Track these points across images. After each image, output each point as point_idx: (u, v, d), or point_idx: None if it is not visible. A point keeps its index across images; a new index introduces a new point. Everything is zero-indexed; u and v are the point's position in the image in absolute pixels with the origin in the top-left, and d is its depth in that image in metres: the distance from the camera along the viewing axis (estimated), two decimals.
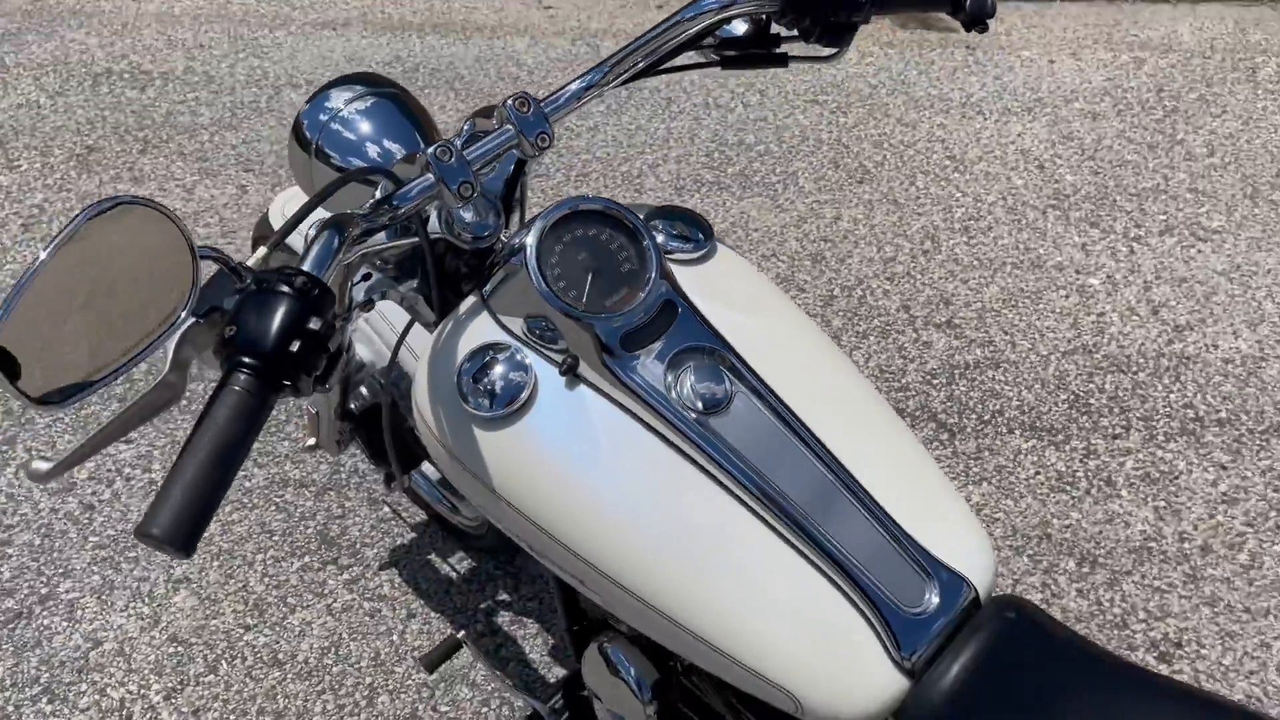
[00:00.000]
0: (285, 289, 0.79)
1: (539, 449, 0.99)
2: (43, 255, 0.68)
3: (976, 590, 0.96)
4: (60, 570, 1.95)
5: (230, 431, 0.73)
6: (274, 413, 2.19)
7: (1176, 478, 2.14)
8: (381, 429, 1.64)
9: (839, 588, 0.93)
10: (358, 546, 2.01)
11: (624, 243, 1.00)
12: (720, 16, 1.05)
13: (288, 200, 1.64)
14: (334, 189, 0.96)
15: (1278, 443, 2.20)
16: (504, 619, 1.89)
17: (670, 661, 1.18)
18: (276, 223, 1.61)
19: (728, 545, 0.94)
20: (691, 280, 1.03)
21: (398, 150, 1.18)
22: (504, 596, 1.93)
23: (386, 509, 2.07)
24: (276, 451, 2.18)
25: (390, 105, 1.22)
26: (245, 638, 1.86)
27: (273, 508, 2.08)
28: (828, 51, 1.05)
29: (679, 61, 1.10)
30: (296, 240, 1.00)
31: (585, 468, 0.98)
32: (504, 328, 1.02)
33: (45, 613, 1.88)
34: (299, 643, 1.85)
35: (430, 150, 0.96)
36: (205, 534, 1.94)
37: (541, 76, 3.53)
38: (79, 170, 3.05)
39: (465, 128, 1.11)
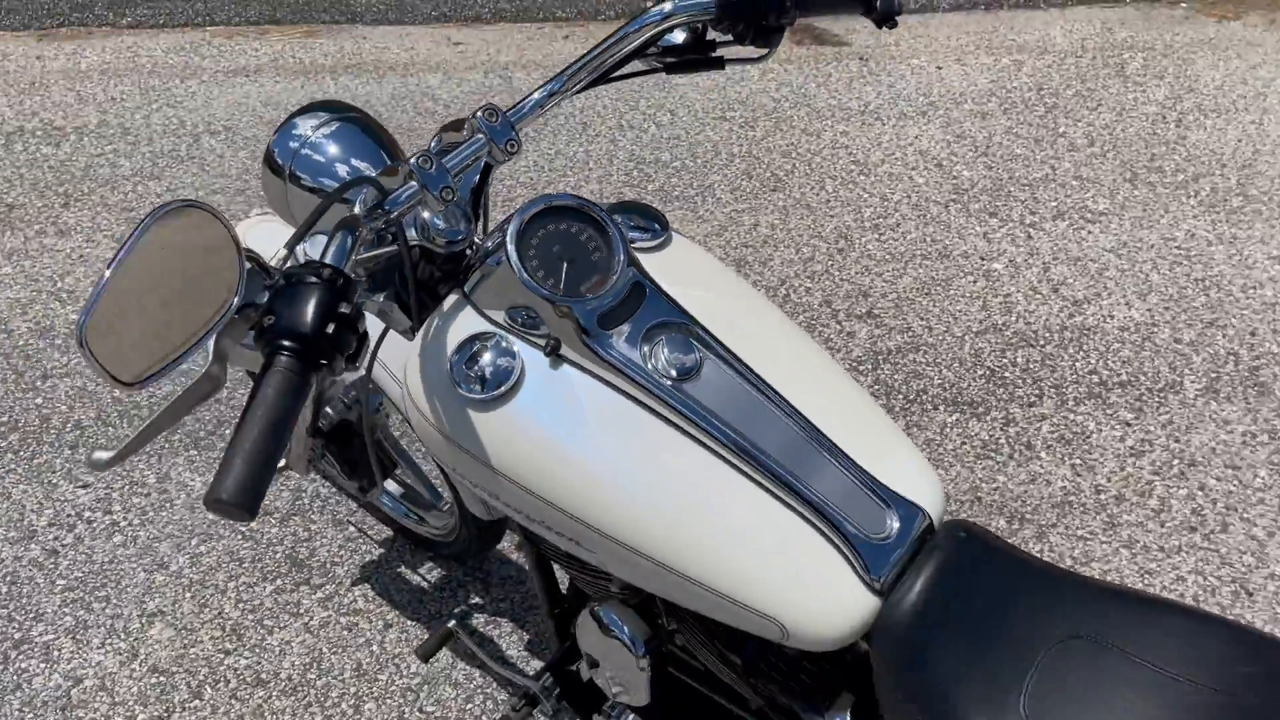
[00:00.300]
0: (315, 280, 0.88)
1: (531, 424, 1.08)
2: (121, 254, 0.77)
3: (930, 517, 1.08)
4: (31, 615, 1.97)
5: (280, 407, 0.82)
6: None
7: (1088, 437, 2.32)
8: (350, 444, 1.72)
9: (810, 523, 1.04)
10: (328, 566, 2.06)
11: (592, 234, 1.11)
12: (662, 27, 1.17)
13: (249, 229, 1.71)
14: (340, 194, 1.04)
15: (1174, 398, 2.40)
16: (479, 620, 1.96)
17: (659, 620, 1.28)
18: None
19: (710, 494, 1.05)
20: (654, 265, 1.15)
21: (367, 169, 1.27)
22: (476, 600, 2.00)
23: (352, 528, 2.13)
24: None
25: (355, 128, 1.31)
26: (226, 661, 1.90)
27: (239, 537, 2.12)
28: (759, 52, 1.18)
29: (627, 70, 1.22)
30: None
31: (575, 437, 1.08)
32: (488, 319, 1.12)
33: (21, 657, 1.90)
34: (280, 661, 1.90)
35: (413, 160, 1.06)
36: (175, 567, 1.98)
37: (458, 109, 3.63)
38: (1, 228, 3.04)
39: (434, 143, 1.21)
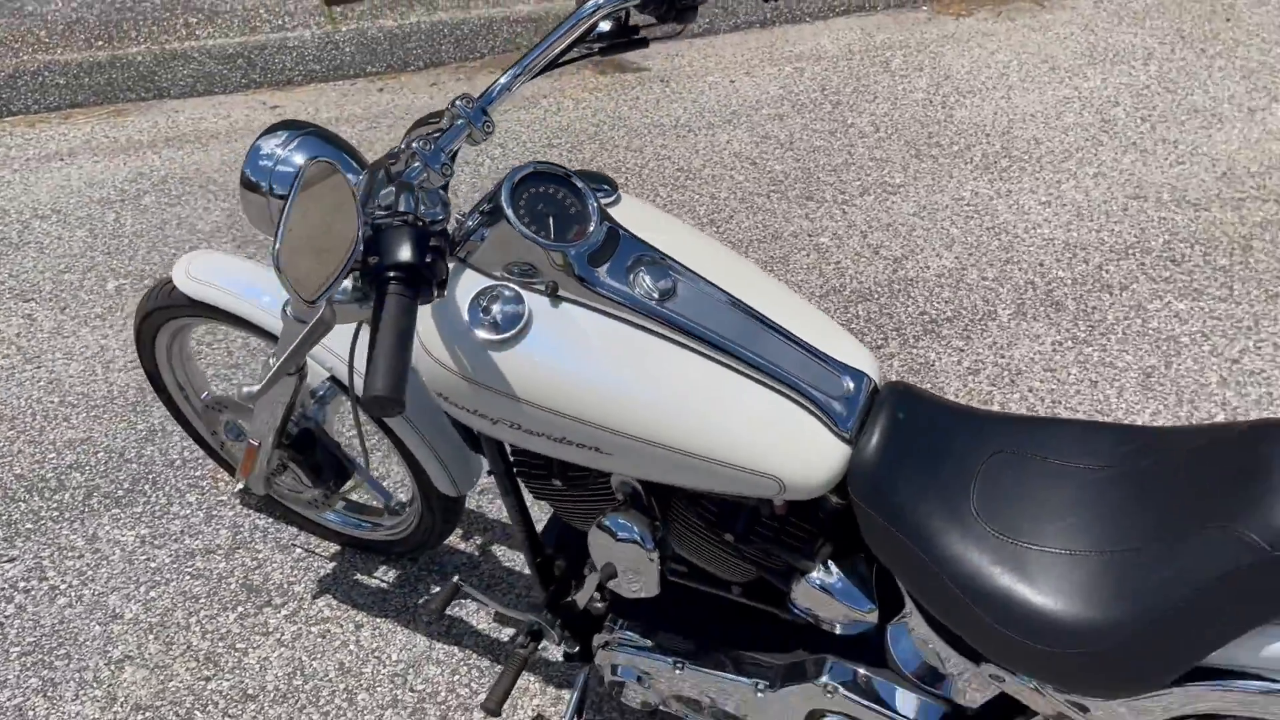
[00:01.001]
0: (403, 223, 1.06)
1: (546, 354, 1.29)
2: (291, 196, 0.93)
3: (873, 380, 1.36)
4: None
5: (402, 322, 1.00)
6: (158, 495, 2.28)
7: (932, 365, 2.69)
8: (314, 450, 1.86)
9: (786, 395, 1.29)
10: (285, 586, 2.15)
11: (566, 193, 1.33)
12: (596, 17, 1.41)
13: (190, 262, 1.82)
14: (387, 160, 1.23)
15: (992, 324, 2.82)
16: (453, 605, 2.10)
17: (655, 520, 1.49)
18: (183, 283, 1.79)
19: (703, 385, 1.29)
20: (617, 215, 1.38)
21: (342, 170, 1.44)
22: (437, 589, 2.14)
23: (299, 550, 2.22)
24: (170, 531, 2.27)
25: (317, 139, 1.49)
26: (209, 686, 1.96)
27: (188, 577, 2.17)
28: (677, 28, 1.45)
29: (569, 56, 1.45)
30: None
31: (585, 359, 1.29)
32: (490, 276, 1.32)
33: None
34: (263, 676, 1.98)
35: (415, 143, 1.26)
36: (130, 614, 2.02)
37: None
38: None
39: (407, 139, 1.40)
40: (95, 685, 1.97)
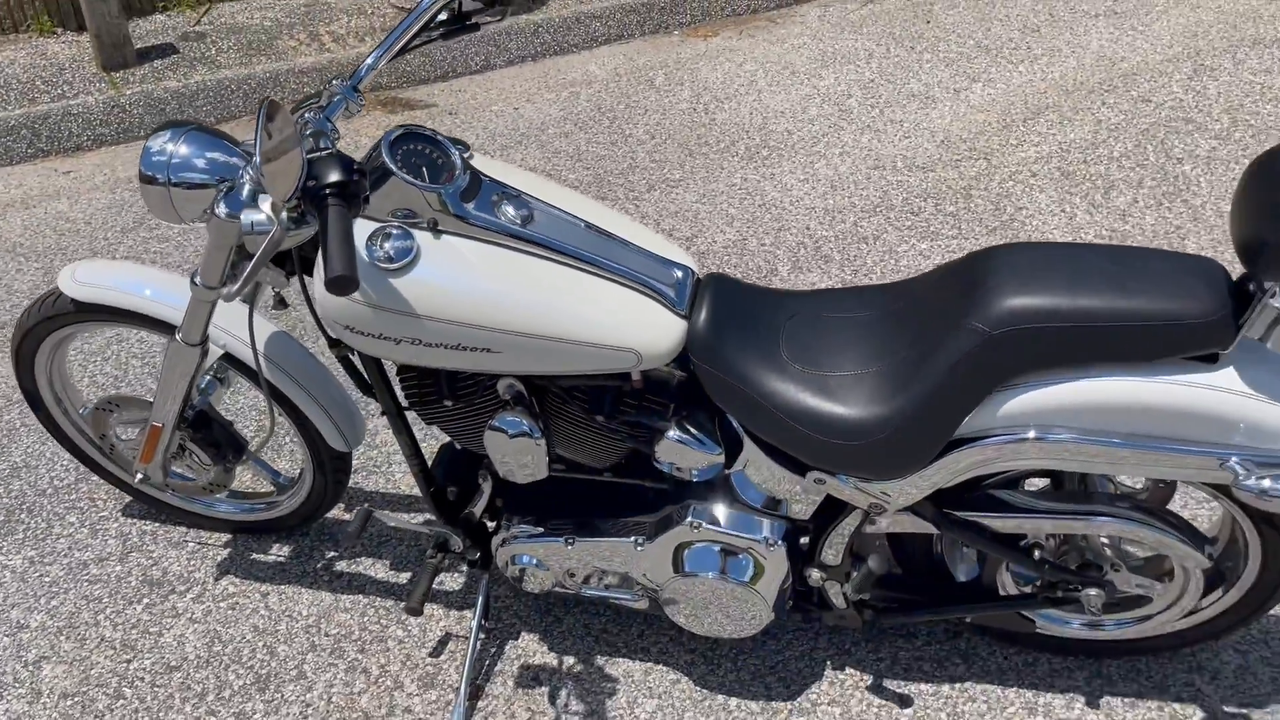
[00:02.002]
0: (328, 154, 1.35)
1: (436, 276, 1.60)
2: (259, 122, 1.21)
3: (695, 271, 1.74)
4: None
5: (342, 224, 1.30)
6: (36, 521, 2.39)
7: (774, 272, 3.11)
8: (210, 428, 2.07)
9: (632, 287, 1.65)
10: (184, 575, 2.31)
11: (431, 148, 1.64)
12: (436, 8, 1.73)
13: (74, 271, 1.99)
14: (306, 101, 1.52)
15: (776, 279, 3.28)
16: (342, 565, 2.32)
17: (538, 414, 1.79)
18: (71, 288, 1.97)
19: (565, 286, 1.63)
20: (475, 165, 1.70)
21: (230, 156, 1.69)
22: (332, 553, 2.35)
23: (191, 544, 2.38)
24: (57, 549, 2.38)
25: (199, 131, 1.73)
26: (131, 667, 2.10)
27: (85, 584, 2.29)
28: (500, 11, 1.79)
29: (416, 42, 1.76)
30: None
31: (468, 275, 1.60)
32: (379, 221, 1.61)
33: None
34: (183, 649, 2.14)
35: (309, 113, 1.55)
36: (36, 623, 2.14)
37: (100, 224, 3.79)
38: None
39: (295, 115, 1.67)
40: (17, 685, 2.07)
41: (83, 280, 1.98)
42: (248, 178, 1.64)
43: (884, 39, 5.01)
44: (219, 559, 2.35)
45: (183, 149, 1.70)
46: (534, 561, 1.94)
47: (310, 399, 2.02)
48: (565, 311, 1.62)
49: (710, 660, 2.07)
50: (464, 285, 1.60)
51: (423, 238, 1.61)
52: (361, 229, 1.61)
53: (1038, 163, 3.86)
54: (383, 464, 2.59)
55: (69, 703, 2.04)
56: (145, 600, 2.25)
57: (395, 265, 1.58)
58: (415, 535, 2.37)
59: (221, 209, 1.62)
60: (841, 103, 4.41)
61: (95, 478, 2.53)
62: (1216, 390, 1.50)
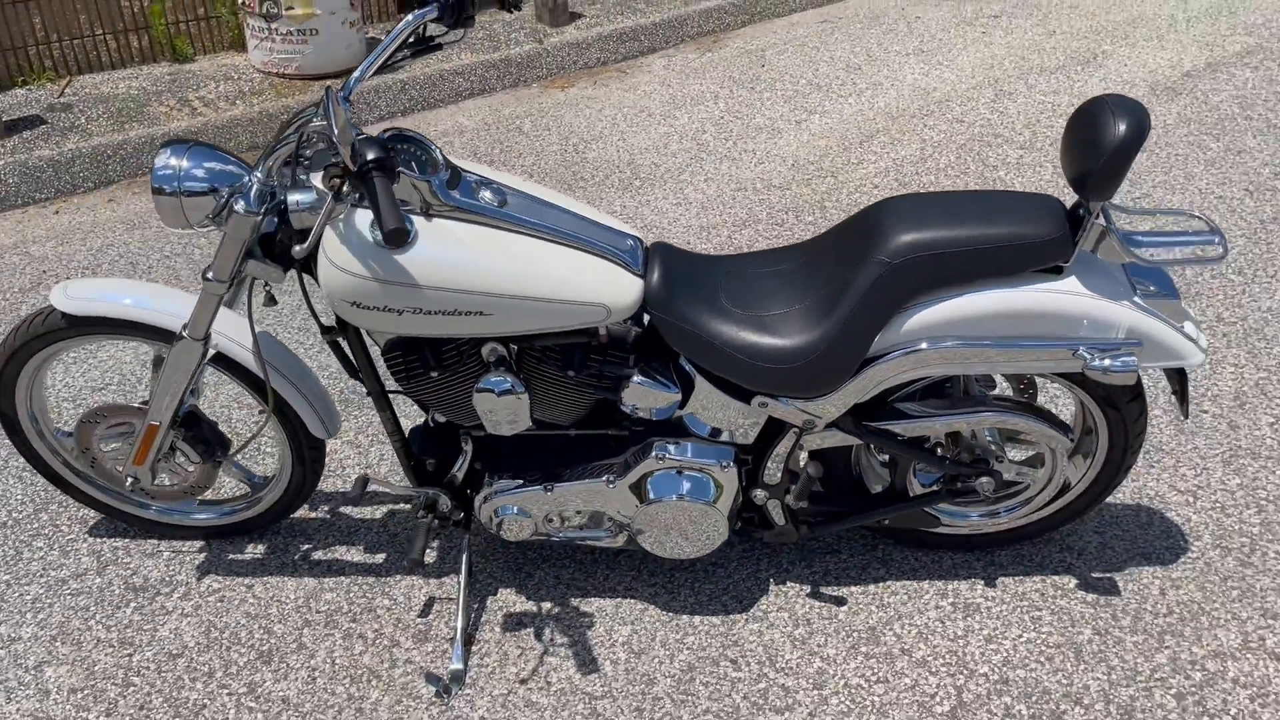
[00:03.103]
0: (360, 137, 1.62)
1: (434, 252, 1.88)
2: (326, 100, 1.47)
3: (643, 241, 2.07)
4: None
5: (388, 188, 1.57)
6: (3, 550, 2.49)
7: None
8: (199, 425, 2.27)
9: (595, 254, 1.97)
10: (167, 578, 2.44)
11: (417, 147, 1.93)
12: (411, 30, 2.02)
13: (66, 288, 2.16)
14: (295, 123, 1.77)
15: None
16: (320, 554, 2.50)
17: (519, 374, 2.07)
18: (64, 303, 2.13)
19: (543, 255, 1.93)
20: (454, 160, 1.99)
21: (227, 165, 1.93)
22: (307, 545, 2.53)
23: (166, 552, 2.52)
24: (31, 571, 2.47)
25: (203, 147, 1.97)
26: (134, 659, 2.23)
27: (68, 596, 2.40)
28: (460, 33, 2.09)
29: (393, 61, 2.04)
30: None
31: (461, 249, 1.89)
32: None
33: None
34: (181, 639, 2.28)
35: (327, 90, 1.82)
36: (28, 634, 2.26)
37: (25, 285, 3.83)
38: None
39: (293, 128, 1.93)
40: (22, 688, 2.17)
41: (75, 295, 2.15)
42: (255, 180, 1.89)
43: (726, 82, 5.52)
44: (197, 562, 2.49)
45: (186, 162, 1.93)
46: (515, 510, 2.20)
47: (295, 390, 2.23)
48: (545, 275, 1.92)
49: (671, 589, 2.37)
50: (457, 258, 1.89)
51: (418, 221, 1.89)
52: (364, 217, 1.88)
53: (877, 176, 4.39)
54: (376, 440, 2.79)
55: (79, 696, 2.15)
56: (133, 604, 2.38)
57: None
58: (386, 521, 2.58)
59: (240, 206, 1.86)
60: (698, 138, 4.87)
61: (55, 505, 2.63)
62: (1063, 294, 1.93)
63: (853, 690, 2.12)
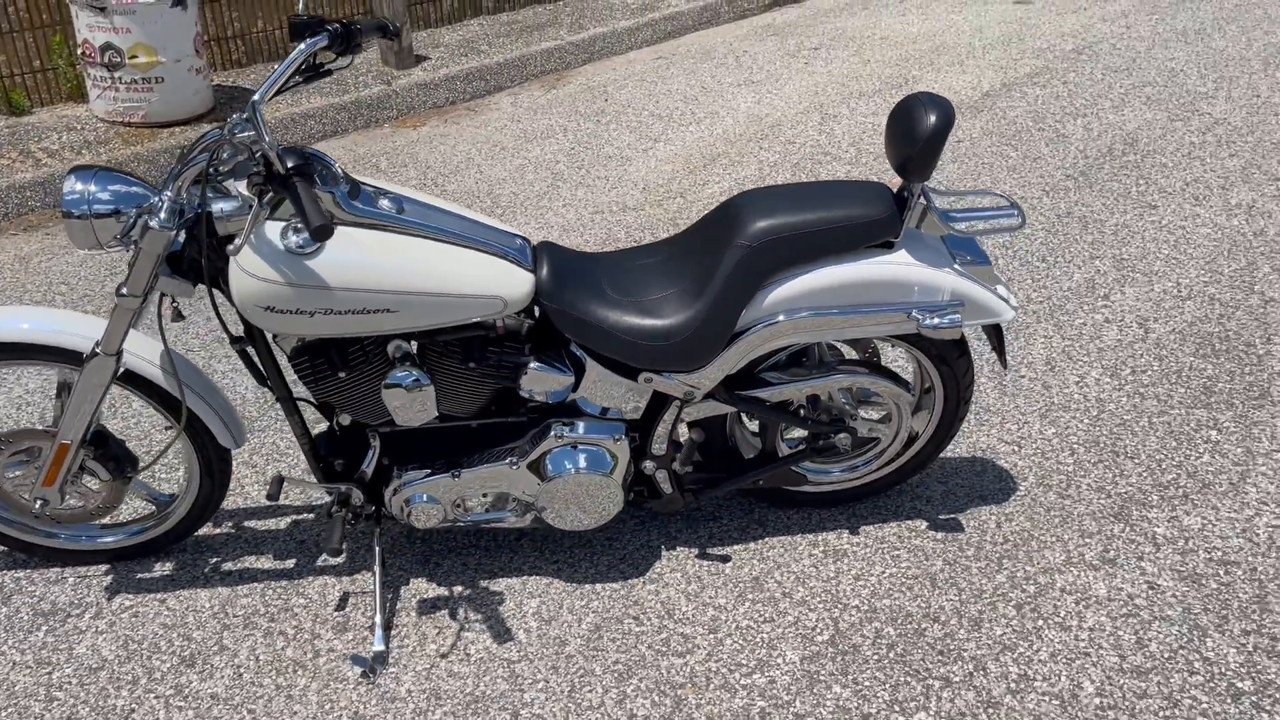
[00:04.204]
0: (279, 149, 1.79)
1: (341, 256, 2.06)
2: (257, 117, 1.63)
3: (530, 241, 2.29)
4: None
5: (311, 193, 1.74)
6: None
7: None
8: (108, 443, 2.36)
9: (490, 253, 2.18)
10: (76, 600, 2.49)
11: (319, 164, 2.11)
12: (303, 59, 2.19)
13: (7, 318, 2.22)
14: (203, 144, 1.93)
15: None
16: (229, 565, 2.59)
17: (423, 366, 2.25)
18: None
19: (442, 255, 2.13)
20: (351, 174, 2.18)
21: (132, 187, 2.06)
22: (215, 559, 2.61)
23: (72, 577, 2.55)
24: None
25: (108, 171, 2.09)
26: (54, 675, 2.28)
27: None
28: (348, 60, 2.27)
29: (287, 86, 2.21)
30: None
31: (366, 253, 2.07)
32: (286, 220, 2.05)
33: None
34: (100, 654, 2.34)
35: (230, 118, 1.98)
36: None
37: None
38: None
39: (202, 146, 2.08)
40: None
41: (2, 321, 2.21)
42: (166, 198, 2.02)
43: (573, 116, 5.81)
44: (105, 584, 2.55)
45: (94, 186, 2.04)
46: (425, 498, 2.37)
47: (203, 402, 2.34)
48: (445, 273, 2.12)
49: (572, 563, 2.57)
50: (364, 260, 2.06)
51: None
52: (273, 227, 2.04)
53: (722, 195, 4.74)
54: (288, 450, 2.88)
55: (3, 714, 2.19)
56: (44, 627, 2.42)
57: (307, 251, 2.02)
58: (291, 530, 2.69)
59: (156, 222, 1.99)
60: (552, 167, 5.12)
61: None
62: (896, 264, 2.25)
63: (744, 631, 2.37)
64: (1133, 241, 4.13)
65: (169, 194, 2.03)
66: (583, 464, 2.34)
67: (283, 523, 2.74)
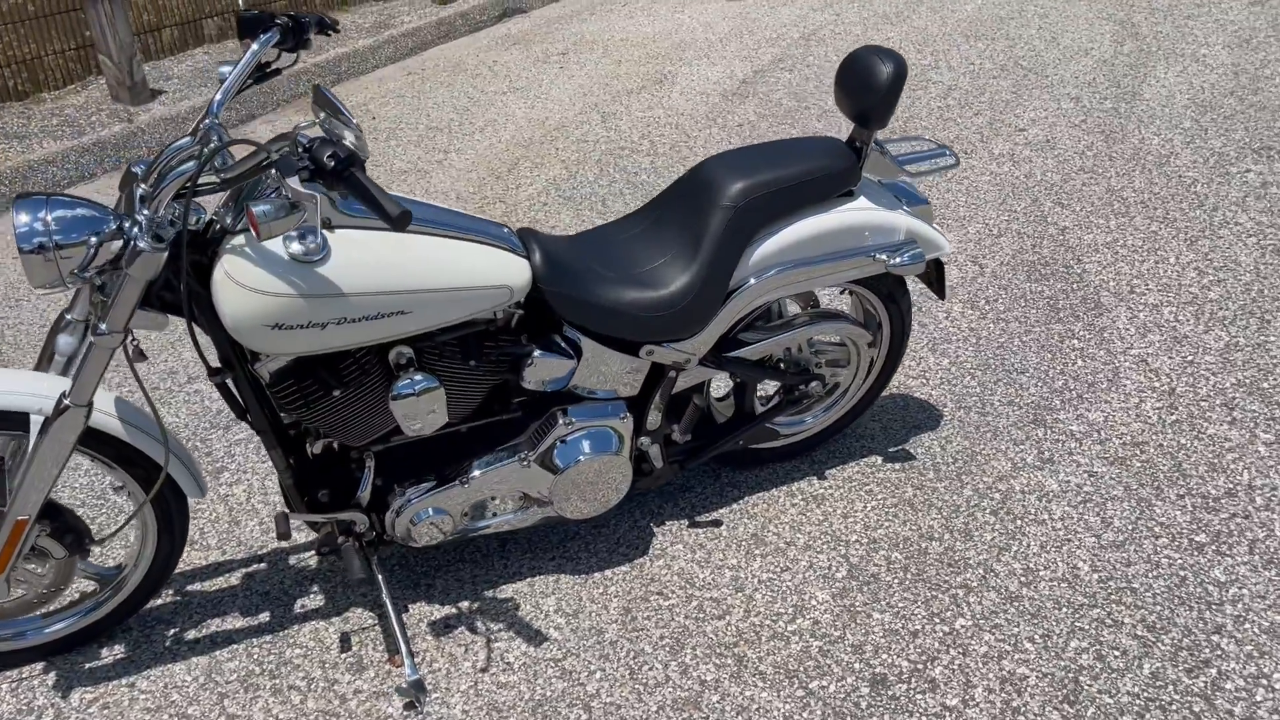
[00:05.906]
0: (312, 142, 1.64)
1: (348, 260, 1.92)
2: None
3: (514, 229, 2.23)
4: None
5: (367, 180, 1.60)
6: None
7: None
8: (60, 515, 2.08)
9: (486, 244, 2.11)
10: (25, 707, 2.13)
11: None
12: (255, 62, 2.00)
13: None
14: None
15: None
16: (192, 633, 2.30)
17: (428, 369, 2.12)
18: None
19: (445, 251, 2.04)
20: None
21: (91, 212, 1.82)
22: (174, 630, 2.31)
23: (5, 684, 2.18)
24: None
25: (62, 198, 1.84)
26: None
27: None
28: (294, 56, 2.10)
29: (243, 87, 2.01)
30: None
31: (373, 255, 1.94)
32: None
33: None
34: (69, 692, 2.01)
35: (200, 121, 1.79)
36: None
37: None
38: None
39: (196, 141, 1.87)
40: None
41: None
42: (144, 218, 1.78)
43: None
44: (50, 683, 2.19)
45: (56, 214, 1.77)
46: (432, 511, 2.23)
47: (166, 451, 2.08)
48: (453, 266, 2.02)
49: (570, 558, 2.51)
50: (372, 262, 1.92)
51: (325, 234, 1.90)
52: (274, 241, 1.85)
53: (541, 195, 4.74)
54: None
55: None
56: None
57: (315, 259, 1.86)
58: (247, 584, 2.43)
59: (145, 244, 1.75)
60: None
61: None
62: (861, 210, 2.39)
63: (768, 584, 2.42)
64: (932, 195, 4.56)
65: (146, 213, 1.80)
66: (595, 447, 2.30)
67: (234, 578, 2.47)
